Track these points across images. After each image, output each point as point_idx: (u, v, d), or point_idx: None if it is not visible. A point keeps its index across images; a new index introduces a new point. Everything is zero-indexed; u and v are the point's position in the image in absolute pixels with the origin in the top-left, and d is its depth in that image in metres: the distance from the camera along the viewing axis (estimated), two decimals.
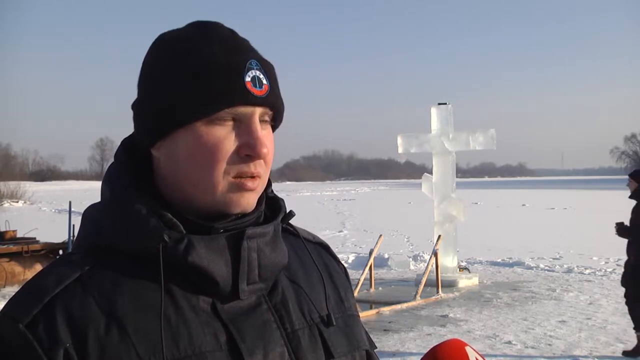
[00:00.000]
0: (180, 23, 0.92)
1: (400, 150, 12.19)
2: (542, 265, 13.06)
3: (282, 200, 0.98)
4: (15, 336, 0.77)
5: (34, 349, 0.76)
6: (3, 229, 12.57)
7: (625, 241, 6.88)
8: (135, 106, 0.91)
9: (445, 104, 11.83)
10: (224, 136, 0.84)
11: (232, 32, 0.90)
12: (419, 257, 14.05)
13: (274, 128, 0.92)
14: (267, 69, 0.88)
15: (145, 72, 0.90)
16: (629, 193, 6.94)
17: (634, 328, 6.82)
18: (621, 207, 7.74)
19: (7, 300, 0.83)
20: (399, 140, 12.18)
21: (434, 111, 11.84)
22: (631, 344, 6.91)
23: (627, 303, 6.91)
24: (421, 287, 9.77)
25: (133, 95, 0.92)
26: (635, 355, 6.67)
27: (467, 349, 0.99)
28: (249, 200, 0.87)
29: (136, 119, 0.90)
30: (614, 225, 6.93)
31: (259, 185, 0.88)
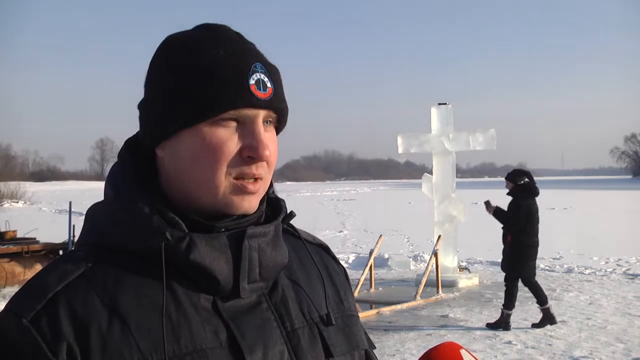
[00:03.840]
0: (180, 25, 0.92)
1: (400, 151, 12.17)
2: (542, 265, 13.01)
3: (283, 201, 0.99)
4: (19, 332, 0.78)
5: (37, 344, 0.77)
6: (3, 229, 12.55)
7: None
8: (141, 106, 0.92)
9: (446, 104, 11.81)
10: (227, 137, 0.85)
11: (238, 35, 0.91)
12: (419, 257, 14.05)
13: (277, 130, 0.93)
14: (272, 72, 0.89)
15: (153, 72, 0.90)
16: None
17: (503, 305, 7.89)
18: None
19: (7, 301, 0.84)
20: (399, 140, 12.16)
21: (434, 111, 11.82)
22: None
23: (505, 286, 7.97)
24: (421, 287, 9.76)
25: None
26: (495, 327, 7.78)
27: (462, 351, 0.98)
28: (250, 203, 0.88)
29: (142, 118, 0.91)
30: (485, 202, 8.15)
31: (261, 188, 0.89)
